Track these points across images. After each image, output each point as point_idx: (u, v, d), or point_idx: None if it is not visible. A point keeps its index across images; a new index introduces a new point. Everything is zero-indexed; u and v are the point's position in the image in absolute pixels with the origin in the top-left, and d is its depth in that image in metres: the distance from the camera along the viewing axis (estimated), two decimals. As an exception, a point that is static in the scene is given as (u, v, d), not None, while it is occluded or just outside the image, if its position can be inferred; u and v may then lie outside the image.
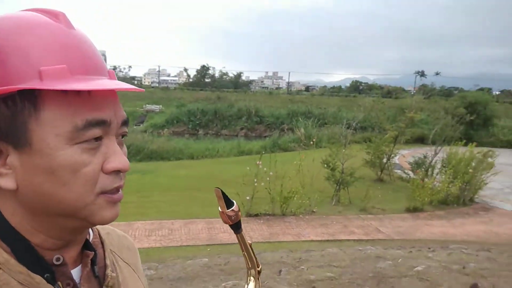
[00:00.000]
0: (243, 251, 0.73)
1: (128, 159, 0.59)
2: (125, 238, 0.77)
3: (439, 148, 13.24)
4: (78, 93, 0.51)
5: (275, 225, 9.85)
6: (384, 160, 14.25)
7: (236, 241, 0.74)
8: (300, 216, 10.34)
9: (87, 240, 0.64)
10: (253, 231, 9.41)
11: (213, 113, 35.43)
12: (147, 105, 43.81)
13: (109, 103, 0.55)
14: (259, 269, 0.74)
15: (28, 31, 0.51)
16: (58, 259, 0.57)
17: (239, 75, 56.88)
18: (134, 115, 39.10)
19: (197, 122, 35.51)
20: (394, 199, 12.52)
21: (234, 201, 0.67)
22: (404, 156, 18.43)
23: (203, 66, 52.71)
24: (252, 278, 0.73)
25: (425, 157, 13.36)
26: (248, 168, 10.26)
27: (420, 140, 22.28)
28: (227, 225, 0.68)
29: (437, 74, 73.00)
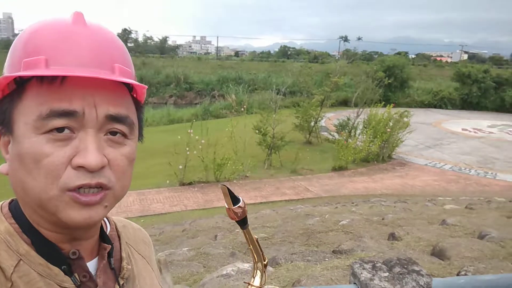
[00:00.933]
0: (249, 246, 0.74)
1: None
2: (140, 231, 0.77)
3: (361, 110, 14.08)
4: (51, 82, 0.51)
5: (210, 192, 9.94)
6: (312, 124, 14.84)
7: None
8: (234, 181, 10.52)
9: (104, 233, 0.65)
10: (187, 199, 9.42)
11: (138, 80, 33.81)
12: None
13: (85, 94, 0.52)
14: (265, 262, 0.75)
15: (30, 28, 0.55)
16: (74, 253, 0.58)
17: (165, 40, 54.28)
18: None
19: (122, 90, 33.65)
20: (322, 160, 13.21)
21: (240, 198, 0.67)
22: (330, 119, 19.34)
23: (125, 30, 49.33)
24: (258, 271, 0.75)
25: (348, 119, 14.15)
26: (179, 137, 10.09)
27: (344, 103, 23.46)
28: (233, 221, 0.68)
29: (359, 39, 76.18)
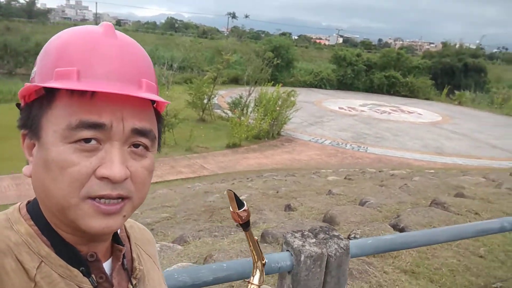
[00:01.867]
0: (250, 247, 0.76)
1: None
2: (145, 230, 0.78)
3: (252, 89, 14.59)
4: (81, 95, 0.53)
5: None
6: (205, 101, 14.88)
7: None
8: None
9: (116, 234, 0.66)
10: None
11: (2, 47, 29.24)
12: None
13: (113, 108, 0.54)
14: (264, 262, 0.79)
15: (65, 39, 0.56)
16: (92, 256, 0.60)
17: (33, 2, 47.58)
18: None
19: (-20, 59, 28.78)
20: (216, 137, 13.44)
21: (244, 202, 0.70)
22: (223, 97, 19.61)
23: (-18, -13, 41.79)
24: (258, 270, 0.79)
25: (240, 97, 14.56)
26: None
27: (235, 81, 23.92)
28: (237, 223, 0.71)
29: (246, 16, 77.77)
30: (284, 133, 14.60)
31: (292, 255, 1.19)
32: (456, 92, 27.15)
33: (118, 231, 0.67)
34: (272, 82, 14.84)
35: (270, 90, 14.14)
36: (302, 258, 1.16)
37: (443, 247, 2.43)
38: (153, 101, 0.61)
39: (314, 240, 1.30)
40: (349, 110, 21.10)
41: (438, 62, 30.99)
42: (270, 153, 12.41)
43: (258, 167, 10.87)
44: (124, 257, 0.65)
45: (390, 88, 28.36)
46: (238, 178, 9.24)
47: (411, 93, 27.77)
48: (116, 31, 0.58)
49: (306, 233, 1.33)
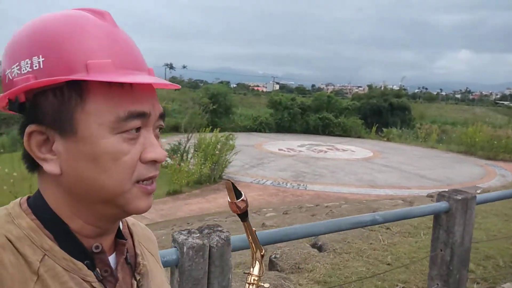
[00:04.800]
0: (249, 238, 0.76)
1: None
2: (146, 229, 0.79)
3: (190, 134, 14.74)
4: (121, 86, 0.55)
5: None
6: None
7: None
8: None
9: (119, 230, 0.66)
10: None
11: None
12: None
13: (148, 97, 0.58)
14: (262, 253, 0.79)
15: (78, 27, 0.54)
16: (97, 247, 0.60)
17: None
18: None
19: None
20: (157, 186, 13.20)
21: (242, 192, 0.70)
22: (170, 144, 19.52)
23: None
24: (257, 261, 0.79)
25: (179, 143, 14.61)
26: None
27: (175, 129, 23.90)
28: (235, 214, 0.70)
29: (184, 67, 79.62)
30: (225, 176, 14.68)
31: (177, 250, 1.32)
32: (384, 129, 29.30)
33: (121, 227, 0.68)
34: (211, 127, 15.11)
35: (209, 135, 14.37)
36: (185, 250, 1.28)
37: (354, 259, 2.65)
38: None
39: (198, 234, 1.44)
40: (288, 151, 21.83)
41: (366, 103, 33.49)
42: (212, 197, 12.40)
43: (200, 212, 10.79)
44: (127, 251, 0.66)
45: (325, 129, 29.93)
46: (178, 224, 9.11)
47: (344, 132, 29.49)
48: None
49: (193, 230, 1.47)
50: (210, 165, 13.40)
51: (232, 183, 0.69)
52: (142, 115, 0.56)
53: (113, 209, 0.58)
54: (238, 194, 0.69)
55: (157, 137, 0.61)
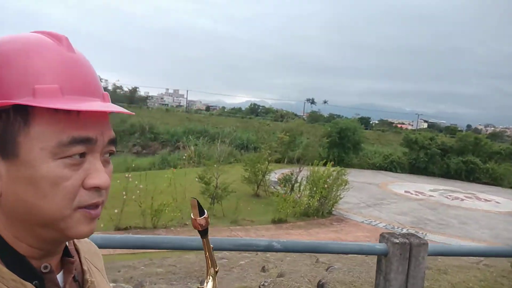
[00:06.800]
0: (206, 254, 0.78)
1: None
2: (91, 244, 0.79)
3: (302, 166, 14.90)
4: (67, 112, 0.54)
5: (144, 236, 10.01)
6: (260, 177, 15.45)
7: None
8: (171, 228, 10.72)
9: (66, 247, 0.66)
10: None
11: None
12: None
13: (96, 123, 0.57)
14: (216, 269, 0.80)
15: (28, 51, 0.55)
16: (46, 267, 0.60)
17: (134, 90, 55.24)
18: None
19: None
20: (264, 212, 13.65)
21: (205, 211, 0.73)
22: (283, 174, 20.12)
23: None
24: (211, 277, 0.80)
25: (291, 173, 14.90)
26: (118, 181, 10.33)
27: (297, 161, 24.42)
28: (196, 230, 0.74)
29: (325, 102, 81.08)
30: (336, 212, 14.30)
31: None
32: (549, 181, 24.28)
33: (67, 244, 0.68)
34: (325, 160, 15.00)
35: (322, 169, 14.28)
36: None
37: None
38: None
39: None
40: (416, 194, 19.94)
41: (527, 148, 28.44)
42: (315, 231, 12.20)
43: (296, 244, 10.72)
44: (75, 269, 0.66)
45: (469, 174, 26.35)
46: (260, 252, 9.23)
47: (494, 180, 25.43)
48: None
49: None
50: (318, 198, 13.28)
51: (197, 200, 0.72)
52: (87, 141, 0.56)
53: (54, 233, 0.57)
54: (201, 212, 0.73)
55: (106, 162, 0.60)
